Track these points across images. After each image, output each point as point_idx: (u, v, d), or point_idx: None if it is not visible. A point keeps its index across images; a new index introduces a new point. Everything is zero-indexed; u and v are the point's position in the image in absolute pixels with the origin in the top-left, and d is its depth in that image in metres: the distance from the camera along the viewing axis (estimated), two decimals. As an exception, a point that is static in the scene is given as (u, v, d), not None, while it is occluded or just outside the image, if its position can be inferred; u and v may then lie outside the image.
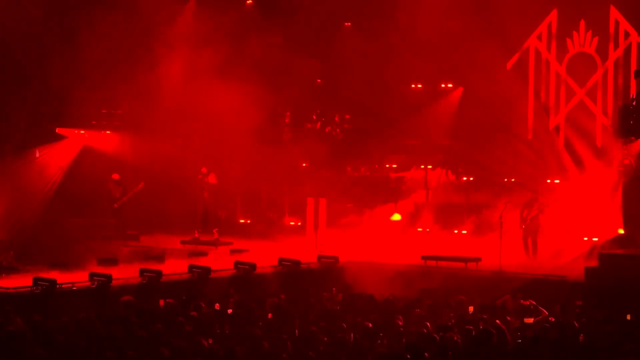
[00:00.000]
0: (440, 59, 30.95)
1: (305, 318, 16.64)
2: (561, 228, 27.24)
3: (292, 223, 31.70)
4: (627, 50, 29.10)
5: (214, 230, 28.31)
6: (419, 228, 29.93)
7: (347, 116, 33.40)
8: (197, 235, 28.12)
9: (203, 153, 29.13)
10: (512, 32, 29.88)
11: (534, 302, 18.70)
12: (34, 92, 26.90)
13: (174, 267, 22.94)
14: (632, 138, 24.85)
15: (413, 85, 32.93)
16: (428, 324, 16.02)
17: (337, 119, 33.54)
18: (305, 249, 26.32)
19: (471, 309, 17.94)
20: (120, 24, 27.40)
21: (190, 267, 22.54)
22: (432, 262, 24.13)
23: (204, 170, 28.44)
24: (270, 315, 17.21)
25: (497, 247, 23.38)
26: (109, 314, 17.11)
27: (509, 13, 28.95)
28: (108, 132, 30.36)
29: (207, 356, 14.01)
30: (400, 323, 16.25)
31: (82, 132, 29.92)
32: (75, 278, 20.92)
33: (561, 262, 23.81)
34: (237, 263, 23.31)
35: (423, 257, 24.26)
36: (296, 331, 15.67)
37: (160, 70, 28.31)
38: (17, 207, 26.90)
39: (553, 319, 17.44)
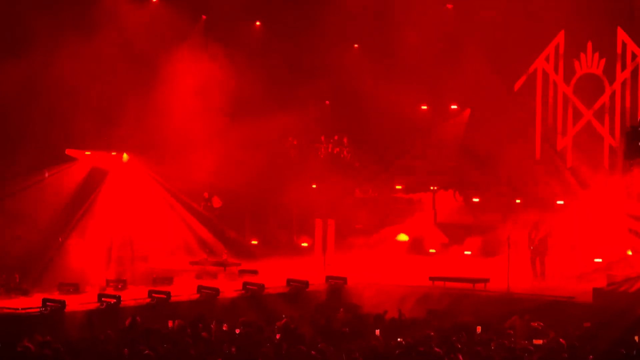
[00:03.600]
0: (448, 80, 31.03)
1: (313, 339, 16.65)
2: (569, 249, 27.28)
3: (301, 244, 31.74)
4: (635, 72, 29.17)
5: (222, 251, 28.34)
6: (431, 249, 29.97)
7: (354, 138, 33.43)
8: (205, 256, 28.15)
9: (209, 174, 29.13)
10: (519, 53, 29.99)
11: (541, 324, 18.69)
12: (43, 114, 27.00)
13: (183, 288, 22.98)
14: (640, 160, 24.87)
15: (421, 107, 33.01)
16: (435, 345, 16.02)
17: (345, 140, 33.61)
18: (313, 270, 26.36)
19: (479, 329, 17.92)
20: (127, 46, 27.58)
21: (199, 288, 22.58)
22: (440, 283, 24.11)
23: (205, 195, 28.46)
24: (278, 336, 17.23)
25: (505, 268, 23.37)
26: (118, 334, 17.14)
27: (516, 35, 29.07)
28: (114, 153, 30.42)
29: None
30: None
31: (88, 153, 29.99)
32: (84, 299, 20.97)
33: (569, 284, 23.78)
34: (245, 284, 23.34)
35: (431, 278, 24.25)
36: (304, 352, 15.68)
37: (168, 91, 28.40)
38: (26, 228, 26.92)
39: (561, 341, 17.42)
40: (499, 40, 29.24)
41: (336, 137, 33.65)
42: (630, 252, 25.77)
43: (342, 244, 28.41)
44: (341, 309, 21.26)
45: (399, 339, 16.48)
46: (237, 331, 17.76)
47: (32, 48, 26.36)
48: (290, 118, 31.31)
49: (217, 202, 28.32)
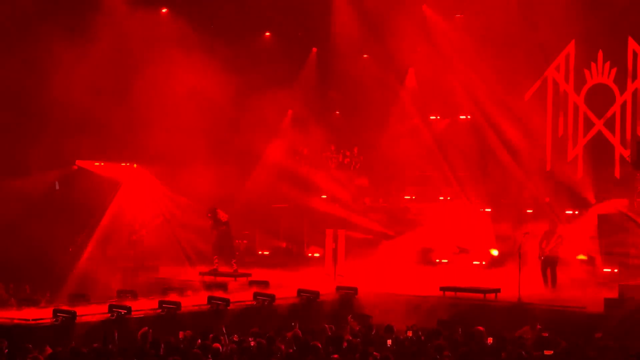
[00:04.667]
0: (459, 90, 31.07)
1: (325, 350, 16.62)
2: (580, 259, 27.25)
3: (311, 254, 31.74)
4: (646, 81, 29.14)
5: (233, 262, 28.33)
6: (439, 259, 29.95)
7: (364, 148, 33.46)
8: (215, 266, 28.14)
9: (217, 185, 29.13)
10: (530, 63, 29.99)
11: (552, 334, 18.64)
12: (54, 125, 27.07)
13: (193, 299, 22.96)
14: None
15: (431, 117, 33.02)
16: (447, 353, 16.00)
17: (355, 150, 33.63)
18: (324, 280, 26.34)
19: (490, 340, 17.87)
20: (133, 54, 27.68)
21: (210, 298, 22.56)
22: (451, 293, 24.05)
23: (208, 214, 28.18)
24: (289, 347, 17.20)
25: (516, 278, 23.31)
26: (128, 345, 17.13)
27: (527, 44, 29.08)
28: (124, 164, 30.47)
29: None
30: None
31: (98, 164, 30.04)
32: (95, 310, 20.97)
33: (580, 293, 23.71)
34: (256, 294, 23.32)
35: (442, 288, 24.20)
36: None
37: (172, 102, 28.45)
38: (37, 239, 26.97)
39: (572, 351, 17.37)
40: (509, 50, 29.25)
41: (346, 147, 33.70)
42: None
43: (353, 254, 28.36)
44: (349, 316, 21.25)
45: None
46: (249, 342, 17.73)
47: (39, 57, 26.49)
48: (300, 127, 31.39)
49: (223, 216, 28.13)
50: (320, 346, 16.29)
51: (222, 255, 28.28)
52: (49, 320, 19.78)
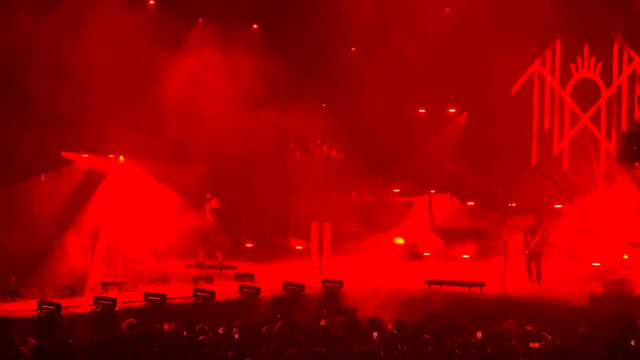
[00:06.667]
0: (446, 84, 31.09)
1: (309, 342, 16.63)
2: (565, 253, 27.32)
3: (296, 247, 31.75)
4: (631, 76, 29.21)
5: (218, 254, 28.35)
6: (424, 253, 29.98)
7: (351, 140, 33.44)
8: (200, 259, 28.17)
9: (207, 177, 29.17)
10: (516, 57, 30.02)
11: (537, 328, 18.68)
12: (39, 117, 26.98)
13: (179, 291, 22.96)
14: (636, 164, 24.86)
15: (419, 110, 33.03)
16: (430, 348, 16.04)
17: (341, 143, 33.63)
18: (309, 273, 26.37)
19: (479, 334, 17.89)
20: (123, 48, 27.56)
21: (195, 290, 22.56)
22: (436, 287, 24.13)
23: (208, 196, 28.63)
24: (274, 340, 17.20)
25: (501, 272, 23.38)
26: (114, 337, 17.11)
27: (513, 38, 29.11)
28: (111, 155, 30.39)
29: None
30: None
31: (85, 156, 29.97)
32: (80, 302, 20.95)
33: (565, 287, 23.77)
34: (241, 287, 23.34)
35: (427, 282, 24.26)
36: (300, 355, 15.67)
37: (164, 95, 28.37)
38: (23, 231, 26.91)
39: (557, 344, 17.42)
40: (495, 44, 29.27)
41: (333, 140, 33.70)
42: (626, 257, 25.83)
43: (338, 247, 28.38)
44: (324, 311, 21.25)
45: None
46: (234, 334, 17.74)
47: (26, 46, 26.36)
48: (286, 120, 31.33)
49: (215, 203, 28.44)
50: (302, 339, 16.32)
51: (207, 247, 28.40)
52: (33, 312, 19.75)
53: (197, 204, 28.98)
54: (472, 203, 31.25)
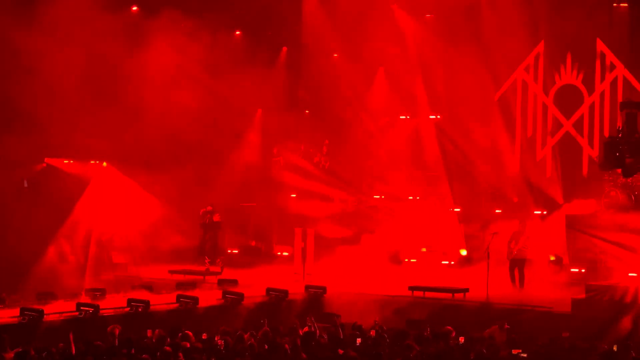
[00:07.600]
0: (429, 90, 31.16)
1: (293, 349, 16.63)
2: (548, 259, 27.41)
3: (280, 253, 31.74)
4: (614, 83, 29.29)
5: (218, 261, 28.49)
6: (406, 259, 30.00)
7: (333, 147, 33.45)
8: (207, 266, 28.32)
9: (190, 184, 29.17)
10: (499, 64, 30.10)
11: (519, 333, 18.72)
12: (22, 123, 26.87)
13: (162, 297, 22.91)
14: (618, 170, 24.93)
15: (400, 117, 33.06)
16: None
17: (324, 149, 33.63)
18: (293, 279, 26.37)
19: (462, 339, 17.92)
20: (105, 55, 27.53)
21: (178, 297, 22.52)
22: (420, 293, 24.14)
23: (209, 208, 28.60)
24: (258, 346, 17.19)
25: (485, 278, 23.41)
26: (97, 344, 17.06)
27: (496, 45, 29.19)
28: (93, 162, 30.34)
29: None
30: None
31: (67, 162, 29.91)
32: (62, 308, 20.87)
33: (548, 293, 23.83)
34: (225, 293, 23.31)
35: (410, 288, 24.28)
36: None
37: (146, 102, 28.34)
38: (4, 238, 26.83)
39: (540, 351, 17.46)
40: (478, 50, 29.36)
41: (315, 146, 33.71)
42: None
43: (322, 253, 28.37)
44: (308, 317, 21.22)
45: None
46: (217, 340, 17.71)
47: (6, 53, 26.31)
48: (270, 127, 31.36)
49: (216, 218, 28.52)
50: (287, 345, 16.30)
51: (210, 255, 28.56)
52: (15, 319, 19.67)
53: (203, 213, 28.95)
54: (456, 209, 31.21)
